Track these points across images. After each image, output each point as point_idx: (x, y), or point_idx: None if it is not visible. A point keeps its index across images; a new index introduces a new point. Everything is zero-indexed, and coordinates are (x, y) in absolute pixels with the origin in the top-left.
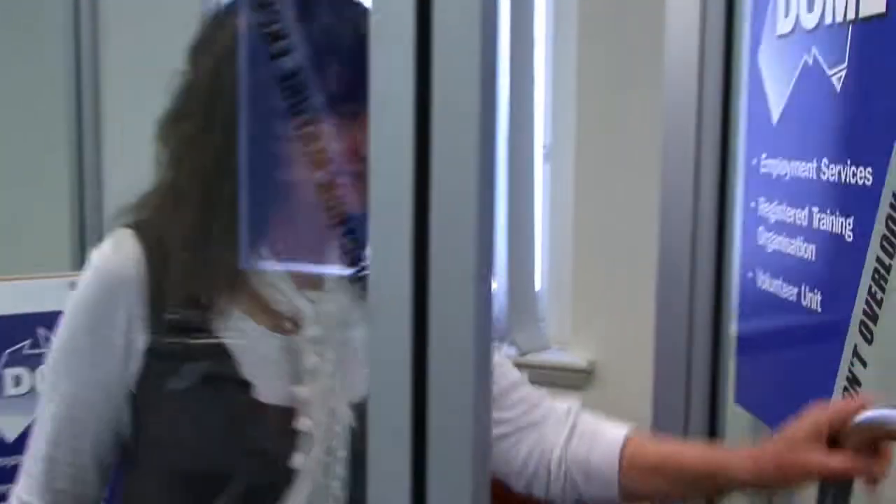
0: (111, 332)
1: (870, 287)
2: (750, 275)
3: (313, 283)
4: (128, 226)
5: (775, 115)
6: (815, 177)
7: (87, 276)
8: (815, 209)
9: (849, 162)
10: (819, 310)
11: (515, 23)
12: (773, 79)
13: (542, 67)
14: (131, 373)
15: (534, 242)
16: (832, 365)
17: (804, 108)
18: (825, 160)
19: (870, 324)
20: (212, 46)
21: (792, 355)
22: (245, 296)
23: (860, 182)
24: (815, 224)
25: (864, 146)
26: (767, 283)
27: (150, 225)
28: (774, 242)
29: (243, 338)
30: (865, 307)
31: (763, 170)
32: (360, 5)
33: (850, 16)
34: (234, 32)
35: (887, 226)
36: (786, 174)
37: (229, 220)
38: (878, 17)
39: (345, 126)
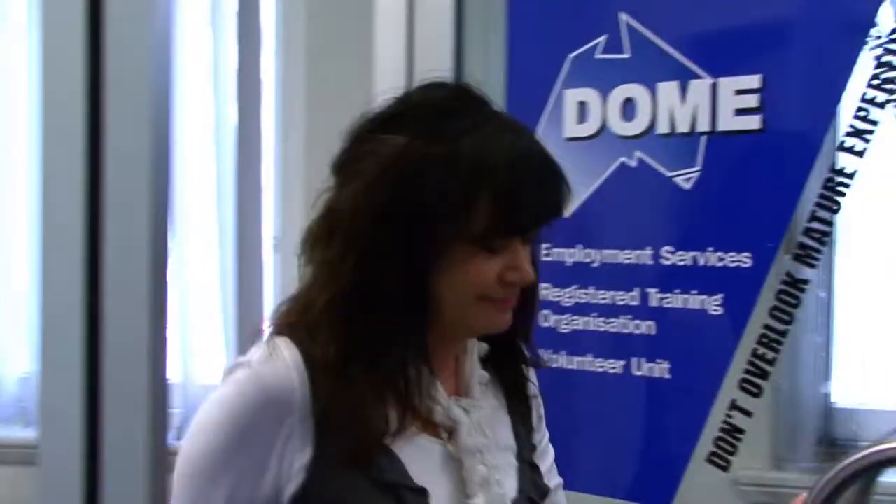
0: (264, 451)
1: (755, 350)
2: None
3: (463, 390)
4: (280, 333)
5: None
6: (651, 262)
7: (239, 385)
8: (654, 290)
9: (713, 248)
10: (668, 376)
11: (243, 116)
12: None
13: (270, 159)
14: (286, 491)
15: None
16: (696, 420)
17: (626, 202)
18: (668, 247)
19: (755, 380)
20: (360, 167)
21: (632, 422)
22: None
23: (738, 265)
24: (654, 302)
25: (740, 235)
26: (565, 361)
27: (302, 334)
28: (577, 323)
29: (410, 446)
30: (749, 367)
31: (547, 258)
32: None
33: (703, 129)
34: (387, 154)
35: (777, 297)
36: (593, 261)
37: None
38: (752, 131)
39: (510, 246)
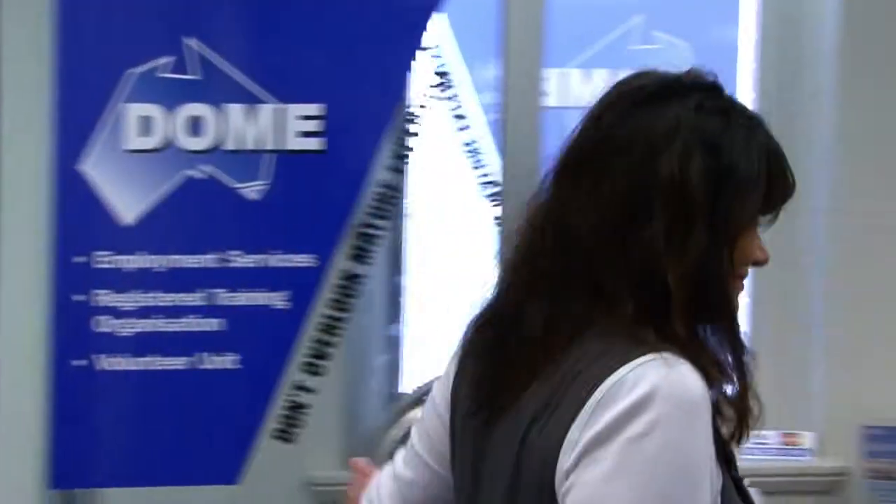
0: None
1: (316, 336)
2: (84, 362)
3: None
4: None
5: (128, 218)
6: (218, 265)
7: (682, 406)
8: (222, 290)
9: (281, 251)
10: (238, 367)
11: None
12: (117, 186)
13: None
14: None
15: None
16: (263, 403)
17: (192, 211)
18: (236, 252)
19: (316, 361)
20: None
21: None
22: None
23: (303, 265)
24: (222, 302)
25: (306, 239)
26: (123, 363)
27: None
28: (140, 326)
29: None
30: (311, 350)
31: (108, 265)
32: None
33: (270, 147)
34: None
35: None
36: (157, 266)
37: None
38: (315, 152)
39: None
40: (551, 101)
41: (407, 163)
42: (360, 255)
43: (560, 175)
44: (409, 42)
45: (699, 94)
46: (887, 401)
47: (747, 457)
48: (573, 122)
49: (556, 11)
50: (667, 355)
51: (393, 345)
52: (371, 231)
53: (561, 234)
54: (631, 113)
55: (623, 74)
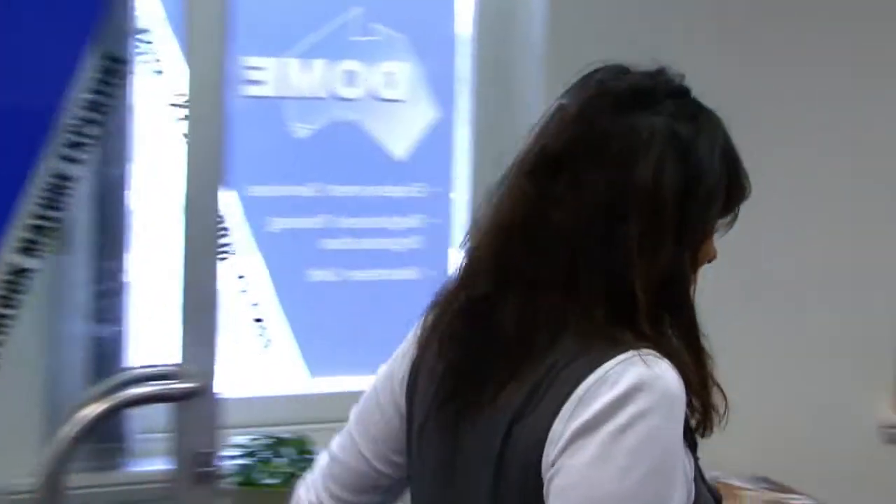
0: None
1: None
2: None
3: None
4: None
5: None
6: None
7: (663, 400)
8: None
9: None
10: None
11: None
12: None
13: None
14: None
15: None
16: None
17: None
18: None
19: None
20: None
21: None
22: None
23: None
24: None
25: None
26: None
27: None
28: None
29: None
30: None
31: None
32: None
33: None
34: (663, 133)
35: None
36: None
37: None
38: None
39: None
40: (268, 90)
41: (84, 152)
42: (29, 249)
43: (536, 170)
44: (78, 31)
45: (672, 100)
46: None
47: None
48: (292, 112)
49: (273, 1)
50: (645, 353)
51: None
52: (42, 223)
53: (538, 231)
54: (611, 116)
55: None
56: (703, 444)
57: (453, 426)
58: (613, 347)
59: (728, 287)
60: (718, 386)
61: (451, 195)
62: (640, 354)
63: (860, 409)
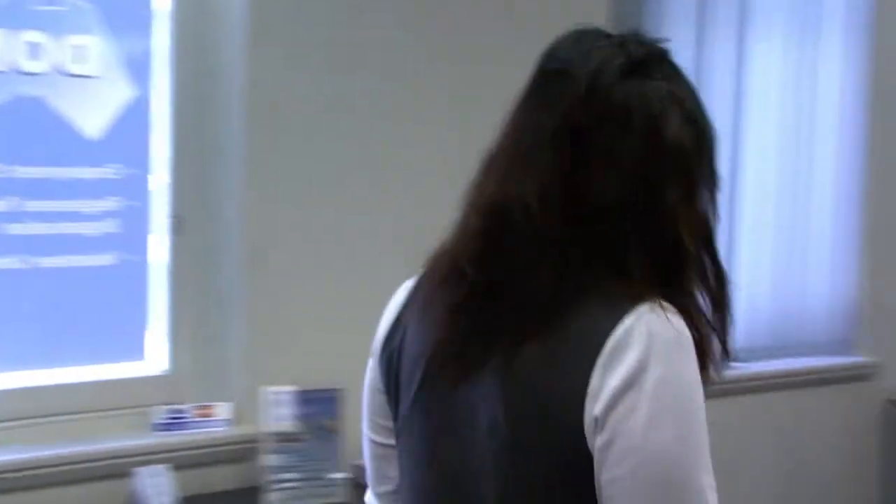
0: None
1: None
2: None
3: None
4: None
5: None
6: None
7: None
8: None
9: None
10: None
11: None
12: None
13: None
14: None
15: None
16: None
17: None
18: None
19: None
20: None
21: None
22: None
23: None
24: None
25: None
26: None
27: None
28: None
29: None
30: None
31: None
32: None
33: None
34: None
35: None
36: None
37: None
38: None
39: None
40: None
41: None
42: None
43: (559, 143)
44: None
45: (658, 64)
46: (300, 368)
47: (163, 434)
48: None
49: None
50: (656, 304)
51: None
52: None
53: (572, 202)
54: (621, 86)
55: None
56: None
57: (452, 390)
58: (631, 301)
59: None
60: (729, 336)
61: (149, 177)
62: (652, 305)
63: None
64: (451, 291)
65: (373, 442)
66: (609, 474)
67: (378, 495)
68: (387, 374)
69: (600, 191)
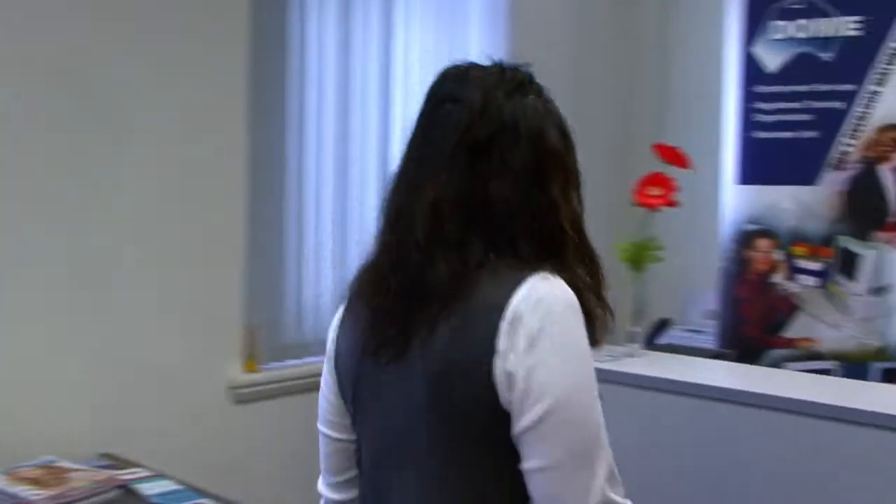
0: None
1: None
2: None
3: None
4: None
5: None
6: None
7: (567, 298)
8: None
9: None
10: None
11: None
12: None
13: None
14: None
15: None
16: None
17: None
18: None
19: None
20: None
21: None
22: None
23: None
24: None
25: None
26: None
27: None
28: None
29: None
30: None
31: None
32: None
33: None
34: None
35: None
36: None
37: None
38: None
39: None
40: None
41: None
42: None
43: (465, 154)
44: None
45: (532, 84)
46: None
47: None
48: None
49: None
50: (546, 273)
51: None
52: None
53: (479, 201)
54: (509, 103)
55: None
56: (39, 427)
57: (391, 366)
58: (526, 273)
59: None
60: (608, 303)
61: None
62: (542, 275)
63: (211, 374)
64: (374, 296)
65: (329, 438)
66: (525, 422)
67: (332, 485)
68: (338, 379)
69: (497, 192)
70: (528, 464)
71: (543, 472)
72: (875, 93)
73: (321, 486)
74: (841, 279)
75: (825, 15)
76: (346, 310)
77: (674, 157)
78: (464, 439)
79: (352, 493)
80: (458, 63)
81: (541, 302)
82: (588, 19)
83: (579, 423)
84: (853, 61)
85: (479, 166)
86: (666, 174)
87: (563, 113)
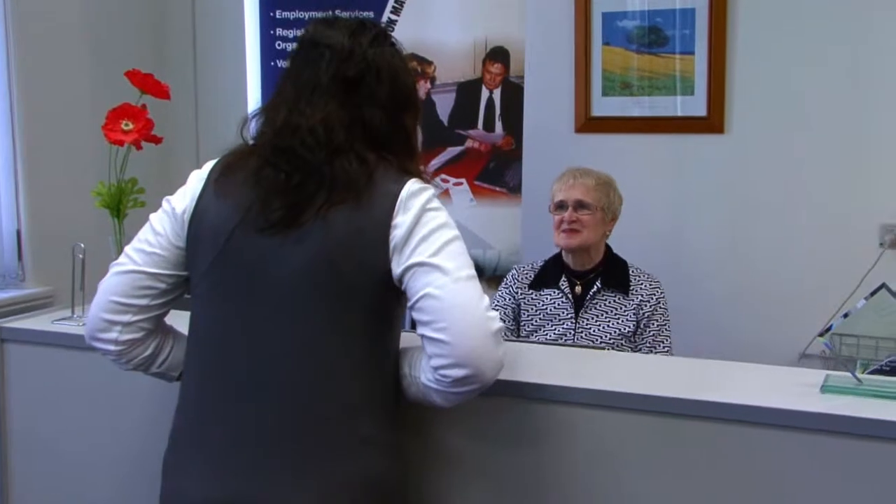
0: None
1: None
2: None
3: None
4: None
5: None
6: None
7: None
8: None
9: None
10: None
11: None
12: None
13: None
14: None
15: None
16: None
17: None
18: None
19: None
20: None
21: None
22: None
23: None
24: None
25: None
26: None
27: None
28: None
29: None
30: None
31: None
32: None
33: None
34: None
35: None
36: None
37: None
38: None
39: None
40: None
41: None
42: None
43: (340, 87)
44: None
45: (387, 37)
46: None
47: None
48: None
49: None
50: (419, 178)
51: None
52: None
53: (354, 124)
54: (373, 50)
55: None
56: None
57: (277, 242)
58: (406, 176)
59: None
60: None
61: None
62: (416, 180)
63: None
64: (253, 163)
65: (138, 269)
66: (425, 255)
67: (108, 301)
68: (191, 232)
69: (371, 117)
70: (427, 289)
71: (444, 287)
72: (392, 21)
73: (94, 304)
74: None
75: None
76: (215, 184)
77: (148, 85)
78: (346, 303)
79: (124, 317)
80: (326, 16)
81: (421, 193)
82: None
83: (459, 279)
84: None
85: (352, 97)
86: (137, 106)
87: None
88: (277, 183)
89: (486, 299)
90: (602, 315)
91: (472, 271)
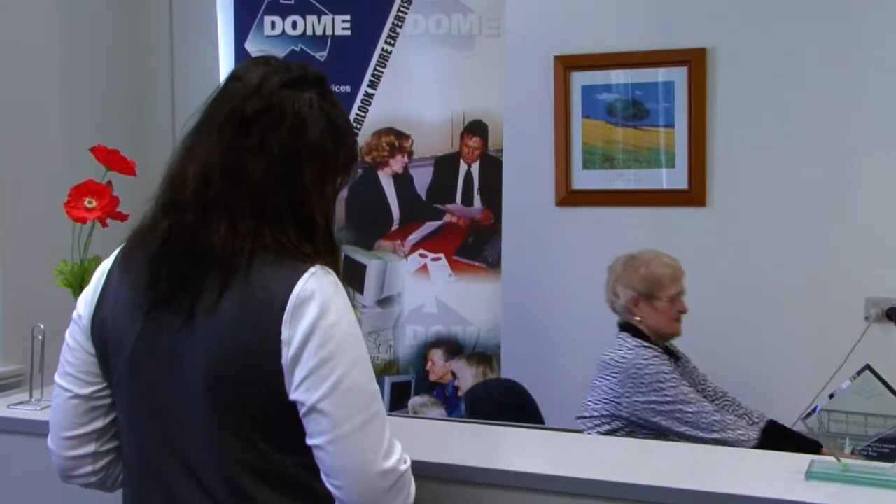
0: None
1: None
2: None
3: None
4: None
5: None
6: None
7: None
8: None
9: None
10: None
11: None
12: None
13: None
14: None
15: None
16: None
17: None
18: None
19: None
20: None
21: None
22: None
23: None
24: None
25: None
26: None
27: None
28: None
29: None
30: None
31: None
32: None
33: None
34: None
35: None
36: None
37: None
38: None
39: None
40: None
41: None
42: None
43: (230, 127)
44: None
45: (318, 84)
46: None
47: None
48: None
49: None
50: (319, 268)
51: None
52: None
53: (237, 174)
54: (282, 91)
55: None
56: None
57: (169, 333)
58: (303, 265)
59: None
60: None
61: None
62: (318, 268)
63: None
64: (149, 245)
65: (73, 394)
66: (312, 397)
67: (63, 439)
68: (98, 337)
69: (254, 166)
70: (316, 440)
71: (332, 443)
72: (369, 95)
73: (51, 442)
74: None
75: (317, 12)
76: (121, 259)
77: (114, 161)
78: (243, 420)
79: (88, 448)
80: (256, 57)
81: (319, 294)
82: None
83: (359, 392)
84: (347, 61)
85: (241, 139)
86: (101, 182)
87: None
88: (156, 246)
89: (386, 441)
90: None
91: (369, 411)
